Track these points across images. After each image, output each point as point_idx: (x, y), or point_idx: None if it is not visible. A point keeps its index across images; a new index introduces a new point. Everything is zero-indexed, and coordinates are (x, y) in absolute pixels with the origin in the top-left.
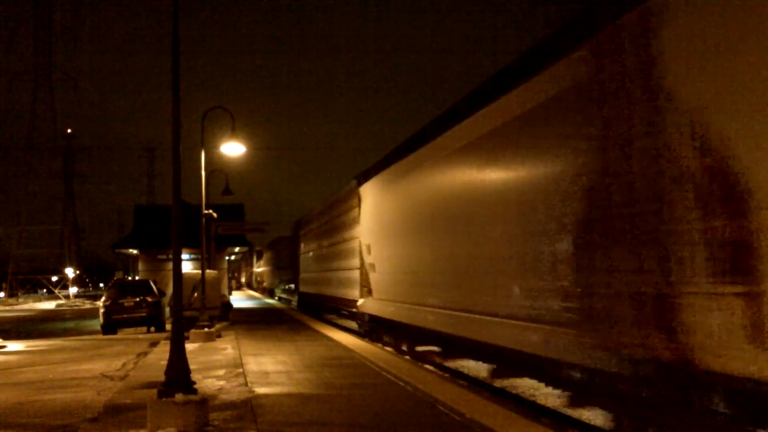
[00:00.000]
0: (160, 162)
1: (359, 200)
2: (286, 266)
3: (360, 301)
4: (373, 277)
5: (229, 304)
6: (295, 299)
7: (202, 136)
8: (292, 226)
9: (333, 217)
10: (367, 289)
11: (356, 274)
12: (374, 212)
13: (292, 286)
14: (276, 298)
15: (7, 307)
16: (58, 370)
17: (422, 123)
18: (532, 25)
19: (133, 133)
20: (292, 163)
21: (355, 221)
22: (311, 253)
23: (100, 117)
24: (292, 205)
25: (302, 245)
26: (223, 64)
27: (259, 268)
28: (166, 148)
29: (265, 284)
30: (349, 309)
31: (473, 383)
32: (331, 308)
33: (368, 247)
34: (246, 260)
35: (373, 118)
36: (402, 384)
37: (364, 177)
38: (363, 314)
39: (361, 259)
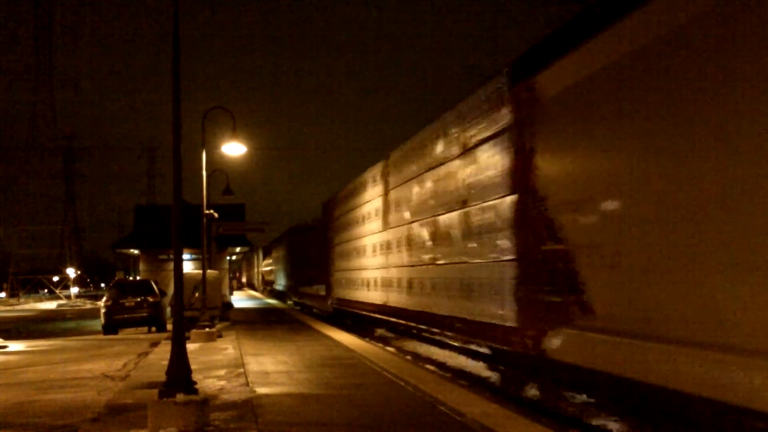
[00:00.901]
0: (160, 162)
1: (525, 111)
2: (310, 264)
3: (552, 340)
4: (603, 278)
5: (230, 304)
6: (323, 306)
7: (202, 137)
8: (320, 209)
9: (423, 168)
10: (561, 306)
11: (505, 273)
12: (602, 128)
13: (320, 289)
14: (291, 302)
15: (8, 307)
16: (58, 370)
17: (421, 123)
18: (532, 25)
19: (133, 133)
20: (292, 163)
21: (500, 163)
22: (362, 241)
23: (100, 117)
24: (292, 205)
25: (339, 232)
26: (223, 64)
27: (268, 266)
28: (166, 148)
29: (276, 285)
30: (491, 343)
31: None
32: (401, 331)
33: (566, 217)
34: (247, 260)
35: (373, 118)
36: (402, 384)
37: (543, 52)
38: (551, 362)
39: (531, 244)
